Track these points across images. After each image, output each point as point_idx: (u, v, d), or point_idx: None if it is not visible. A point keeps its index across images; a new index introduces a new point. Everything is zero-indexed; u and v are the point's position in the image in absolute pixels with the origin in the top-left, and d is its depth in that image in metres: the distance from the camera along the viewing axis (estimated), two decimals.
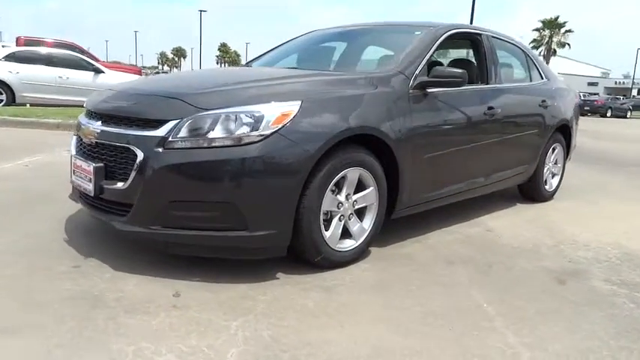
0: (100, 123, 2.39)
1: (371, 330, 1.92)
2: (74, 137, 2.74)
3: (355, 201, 2.53)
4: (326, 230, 2.40)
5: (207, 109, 2.18)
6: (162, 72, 54.78)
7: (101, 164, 2.33)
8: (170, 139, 2.15)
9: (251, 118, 2.15)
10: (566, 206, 4.20)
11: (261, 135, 2.13)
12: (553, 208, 4.15)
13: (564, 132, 4.36)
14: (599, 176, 5.87)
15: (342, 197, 2.45)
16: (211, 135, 2.13)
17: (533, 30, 54.30)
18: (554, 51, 53.54)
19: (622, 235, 3.37)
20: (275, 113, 2.18)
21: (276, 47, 3.88)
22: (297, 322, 1.94)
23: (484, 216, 3.73)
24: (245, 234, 2.17)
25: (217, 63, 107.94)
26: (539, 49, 51.61)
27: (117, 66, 16.16)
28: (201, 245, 2.22)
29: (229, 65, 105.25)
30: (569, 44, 53.78)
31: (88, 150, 2.46)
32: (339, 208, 2.45)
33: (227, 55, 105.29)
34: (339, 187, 2.44)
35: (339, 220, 2.47)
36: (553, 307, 2.23)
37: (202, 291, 2.16)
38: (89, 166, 2.35)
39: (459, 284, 2.42)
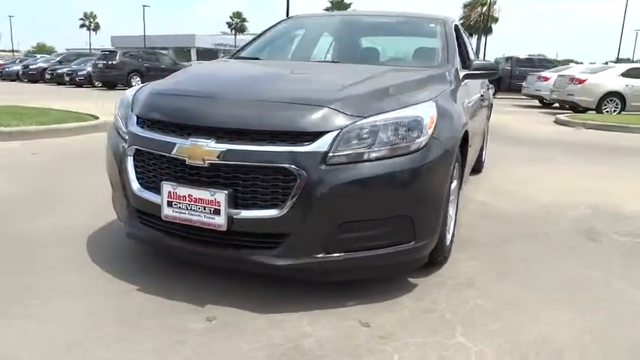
0: (214, 140, 1.91)
1: (563, 315, 2.06)
2: (131, 158, 2.13)
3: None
4: None
5: (363, 117, 1.96)
6: None
7: (231, 190, 1.89)
8: (331, 153, 1.88)
9: (411, 123, 2.01)
10: (497, 175, 4.87)
11: (423, 140, 2.02)
12: (491, 177, 4.76)
13: (489, 111, 5.03)
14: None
15: None
16: (376, 146, 1.93)
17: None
18: None
19: (566, 194, 4.07)
20: (428, 116, 2.08)
21: (262, 35, 3.53)
22: (504, 324, 1.96)
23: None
24: (411, 246, 2.05)
25: None
26: None
27: None
28: (370, 266, 2.03)
29: None
30: None
31: (195, 174, 1.95)
32: None
33: None
34: None
35: None
36: (629, 263, 2.66)
37: (366, 313, 2.00)
38: (214, 195, 1.87)
39: (545, 259, 2.68)
